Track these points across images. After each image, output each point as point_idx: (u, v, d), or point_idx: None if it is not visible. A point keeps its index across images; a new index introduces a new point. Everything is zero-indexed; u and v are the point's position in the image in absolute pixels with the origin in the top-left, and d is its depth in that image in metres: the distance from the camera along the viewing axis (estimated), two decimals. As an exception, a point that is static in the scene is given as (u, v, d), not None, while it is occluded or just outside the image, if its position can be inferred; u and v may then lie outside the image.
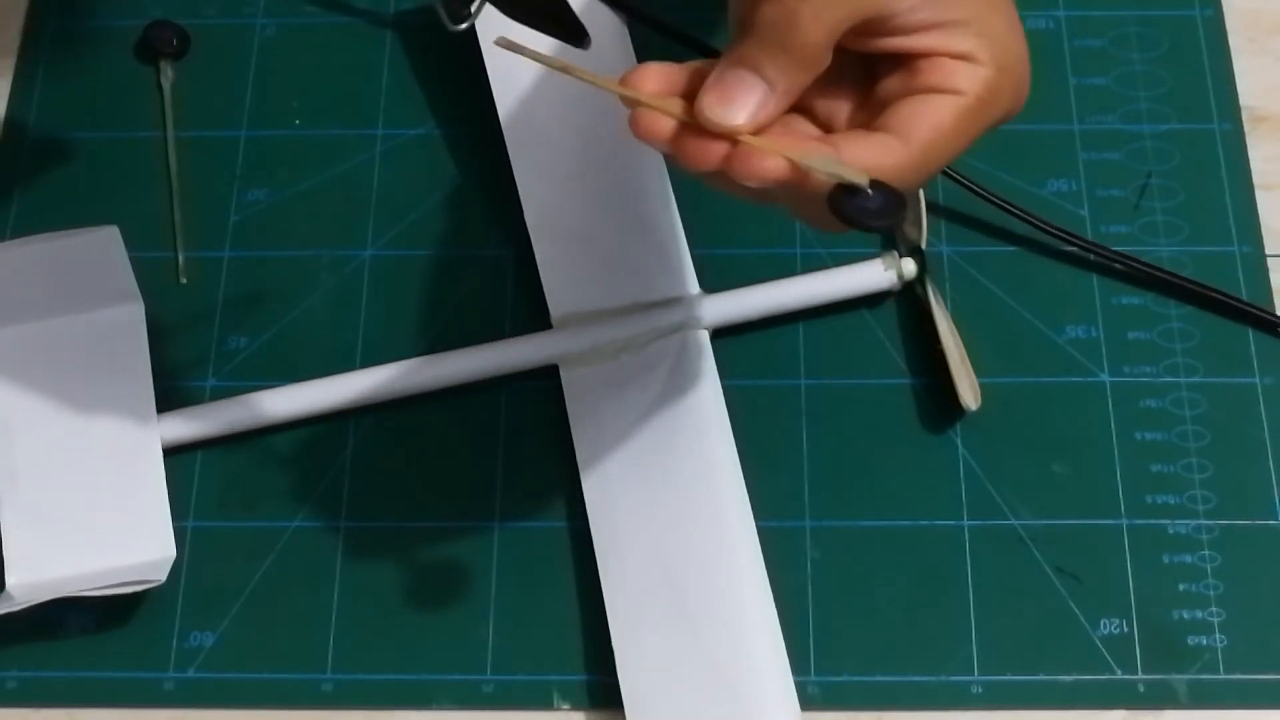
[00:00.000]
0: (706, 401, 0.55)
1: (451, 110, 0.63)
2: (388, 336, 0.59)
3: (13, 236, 0.59)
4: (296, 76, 0.64)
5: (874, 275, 0.58)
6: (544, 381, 0.58)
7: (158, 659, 0.54)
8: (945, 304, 0.57)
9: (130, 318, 0.57)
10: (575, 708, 0.53)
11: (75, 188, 0.62)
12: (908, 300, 0.58)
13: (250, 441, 0.57)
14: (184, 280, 0.60)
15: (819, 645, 0.53)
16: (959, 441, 0.56)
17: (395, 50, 0.64)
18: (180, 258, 0.60)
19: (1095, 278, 0.59)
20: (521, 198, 0.58)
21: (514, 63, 0.57)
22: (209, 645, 0.54)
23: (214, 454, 0.57)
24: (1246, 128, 0.62)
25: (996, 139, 0.61)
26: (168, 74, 0.64)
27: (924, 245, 0.57)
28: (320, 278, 0.60)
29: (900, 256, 0.57)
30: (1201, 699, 0.52)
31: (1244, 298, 0.58)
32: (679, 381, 0.56)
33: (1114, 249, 0.59)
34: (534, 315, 0.59)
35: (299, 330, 0.59)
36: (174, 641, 0.54)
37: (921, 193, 0.58)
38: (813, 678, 0.53)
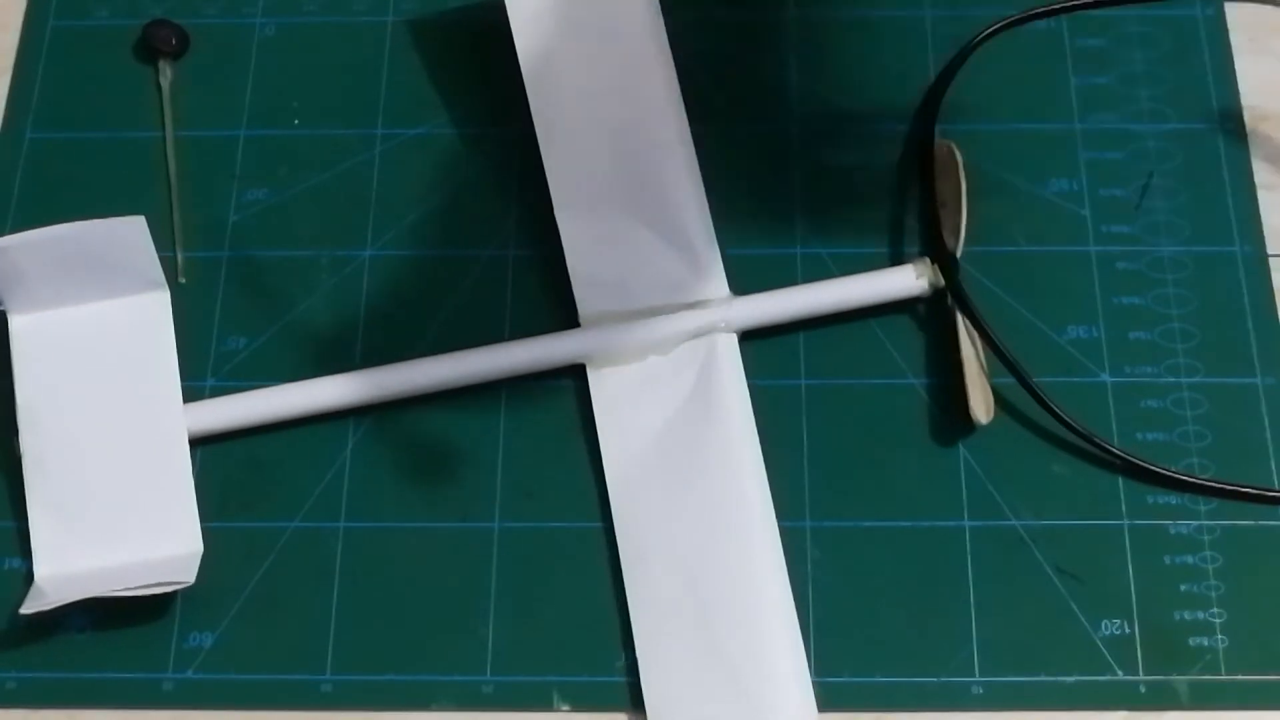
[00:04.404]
0: (734, 405, 0.56)
1: (451, 110, 0.63)
2: (388, 336, 0.59)
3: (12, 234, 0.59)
4: (296, 76, 0.64)
5: (905, 282, 0.57)
6: (544, 381, 0.58)
7: (157, 659, 0.54)
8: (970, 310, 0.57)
9: (156, 304, 0.57)
10: (575, 708, 0.53)
11: (75, 187, 0.62)
12: (909, 301, 0.58)
13: (250, 441, 0.57)
14: (183, 280, 0.60)
15: (819, 645, 0.53)
16: (960, 442, 0.56)
17: (395, 50, 0.64)
18: (179, 257, 0.60)
19: (1096, 277, 0.59)
20: (553, 196, 0.58)
21: (547, 61, 0.58)
22: (208, 646, 0.54)
23: (214, 454, 0.57)
24: (1248, 127, 0.61)
25: (998, 139, 0.62)
26: (167, 73, 0.64)
27: (959, 253, 0.57)
28: (320, 278, 0.60)
29: (932, 263, 0.57)
30: (1203, 700, 0.52)
31: (1245, 298, 0.58)
32: (707, 384, 0.56)
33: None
34: (534, 315, 0.59)
35: (299, 330, 0.59)
36: (173, 642, 0.54)
37: (965, 202, 0.58)
38: (813, 678, 0.53)
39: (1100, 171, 0.61)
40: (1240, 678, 0.53)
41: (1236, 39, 0.63)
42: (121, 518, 0.55)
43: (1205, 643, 0.53)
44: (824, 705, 0.52)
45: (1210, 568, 0.54)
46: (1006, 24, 0.63)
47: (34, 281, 0.56)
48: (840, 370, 0.58)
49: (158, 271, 0.57)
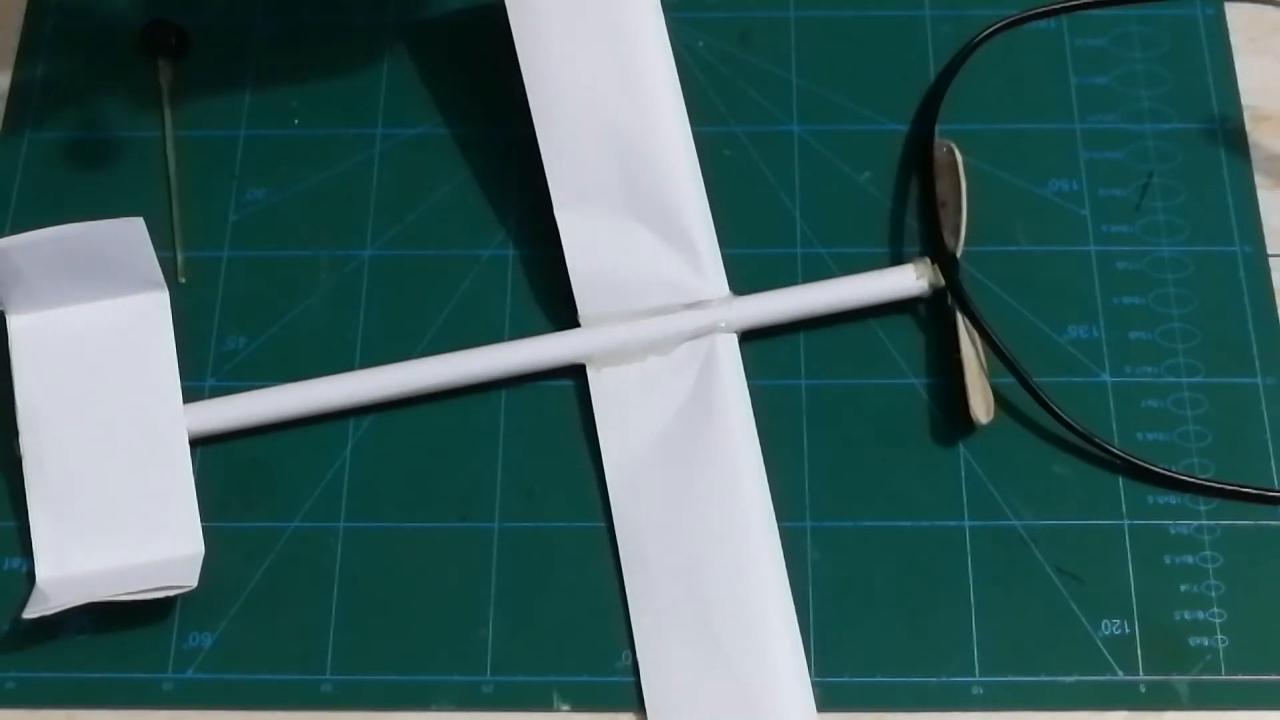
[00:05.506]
0: (734, 405, 0.56)
1: (451, 110, 0.63)
2: (387, 336, 0.59)
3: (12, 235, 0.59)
4: (296, 76, 0.64)
5: (905, 282, 0.57)
6: (544, 381, 0.58)
7: (156, 660, 0.54)
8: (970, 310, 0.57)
9: (156, 304, 0.57)
10: (575, 708, 0.53)
11: (75, 187, 0.62)
12: (909, 301, 0.58)
13: (250, 441, 0.57)
14: (183, 280, 0.60)
15: (819, 646, 0.53)
16: (960, 442, 0.56)
17: (395, 50, 0.64)
18: (179, 257, 0.60)
19: (1096, 277, 0.59)
20: (553, 196, 0.58)
21: (547, 61, 0.58)
22: (208, 646, 0.54)
23: (214, 454, 0.57)
24: (1248, 127, 0.61)
25: (998, 139, 0.62)
26: (167, 73, 0.64)
27: (959, 253, 0.57)
28: (320, 278, 0.60)
29: (932, 263, 0.57)
30: (1203, 700, 0.52)
31: (1245, 298, 0.58)
32: (707, 385, 0.56)
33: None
34: (533, 315, 0.59)
35: (298, 330, 0.59)
36: (173, 642, 0.54)
37: (965, 202, 0.58)
38: (813, 678, 0.53)
39: (1100, 171, 0.61)
40: (1240, 678, 0.53)
41: (1236, 39, 0.63)
42: (122, 518, 0.55)
43: (1205, 643, 0.53)
44: (824, 705, 0.52)
45: (1210, 568, 0.54)
46: (1006, 24, 0.63)
47: (33, 282, 0.56)
48: (840, 370, 0.58)
49: (157, 272, 0.57)
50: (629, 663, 0.53)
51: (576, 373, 0.58)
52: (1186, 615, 0.53)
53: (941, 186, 0.59)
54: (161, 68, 0.64)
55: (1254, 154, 0.61)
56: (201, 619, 0.54)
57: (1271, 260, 0.59)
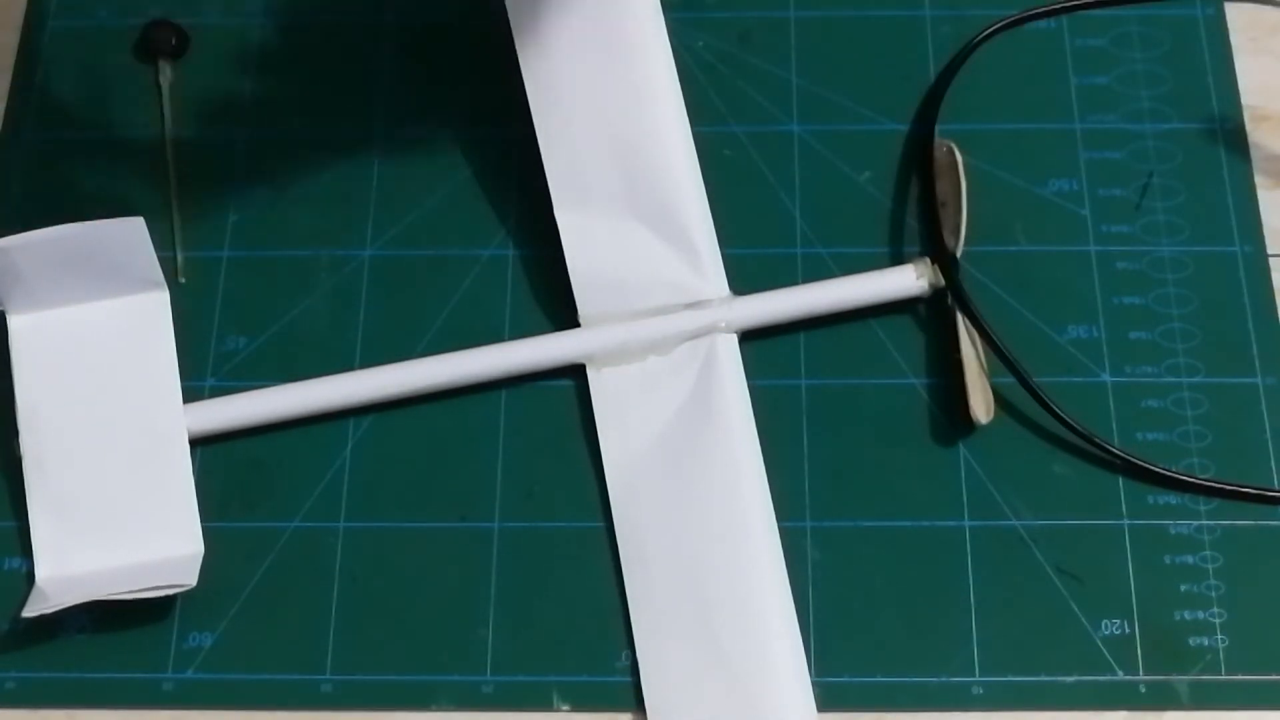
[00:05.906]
0: (734, 405, 0.56)
1: (451, 109, 0.63)
2: (387, 336, 0.59)
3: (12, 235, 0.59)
4: (296, 76, 0.64)
5: (905, 282, 0.57)
6: (544, 381, 0.58)
7: (156, 660, 0.54)
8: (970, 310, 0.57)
9: (156, 304, 0.57)
10: (575, 708, 0.53)
11: (75, 187, 0.62)
12: (909, 301, 0.58)
13: (250, 441, 0.57)
14: (183, 280, 0.60)
15: (819, 645, 0.53)
16: (960, 442, 0.56)
17: (395, 50, 0.64)
18: (179, 257, 0.60)
19: (1096, 277, 0.59)
20: (553, 196, 0.58)
21: (547, 61, 0.58)
22: (208, 646, 0.54)
23: (214, 454, 0.57)
24: (1248, 127, 0.61)
25: (998, 139, 0.62)
26: (167, 73, 0.64)
27: (959, 253, 0.57)
28: (320, 278, 0.60)
29: (932, 263, 0.57)
30: (1203, 700, 0.52)
31: (1245, 298, 0.58)
32: (707, 384, 0.56)
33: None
34: (534, 315, 0.59)
35: (298, 330, 0.59)
36: (173, 642, 0.54)
37: (965, 202, 0.58)
38: (813, 678, 0.53)
39: (1100, 171, 0.61)
40: (1240, 678, 0.53)
41: (1236, 39, 0.63)
42: (122, 518, 0.55)
43: (1205, 643, 0.53)
44: (824, 705, 0.52)
45: (1210, 568, 0.54)
46: (1006, 24, 0.63)
47: (34, 282, 0.56)
48: (840, 370, 0.58)
49: (157, 272, 0.57)
50: (629, 663, 0.53)
51: (576, 373, 0.58)
52: (1186, 615, 0.53)
53: (941, 186, 0.59)
54: (161, 68, 0.64)
55: (1254, 154, 0.61)
56: (201, 619, 0.55)
57: (1271, 260, 0.59)
